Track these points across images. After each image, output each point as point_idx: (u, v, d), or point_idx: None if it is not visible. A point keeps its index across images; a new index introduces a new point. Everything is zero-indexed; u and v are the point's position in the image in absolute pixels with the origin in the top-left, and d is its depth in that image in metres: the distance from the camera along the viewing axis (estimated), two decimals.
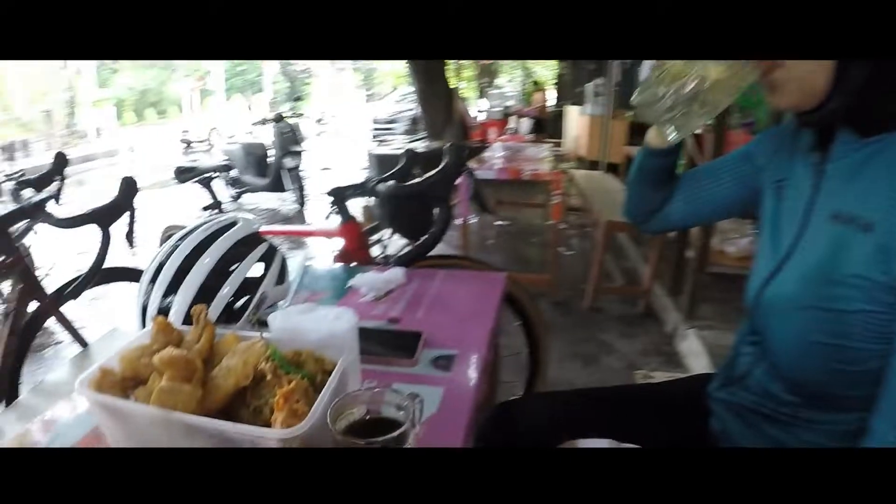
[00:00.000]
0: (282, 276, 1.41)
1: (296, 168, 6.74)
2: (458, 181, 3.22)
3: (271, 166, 6.87)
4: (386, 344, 1.27)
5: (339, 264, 1.92)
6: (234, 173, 7.21)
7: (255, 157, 7.11)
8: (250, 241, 1.37)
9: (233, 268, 1.32)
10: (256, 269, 1.37)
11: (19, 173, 2.65)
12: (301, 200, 6.82)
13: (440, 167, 1.79)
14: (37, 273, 2.21)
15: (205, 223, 1.38)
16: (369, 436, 0.73)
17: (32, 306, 2.21)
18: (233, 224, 1.38)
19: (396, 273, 1.61)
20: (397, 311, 1.47)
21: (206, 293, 1.28)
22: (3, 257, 2.09)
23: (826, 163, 0.95)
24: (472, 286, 1.62)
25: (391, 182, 1.85)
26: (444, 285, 1.62)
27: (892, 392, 0.85)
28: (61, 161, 2.50)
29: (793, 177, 1.03)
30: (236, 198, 7.63)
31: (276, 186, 6.88)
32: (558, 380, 2.87)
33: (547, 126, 9.70)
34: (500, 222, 5.74)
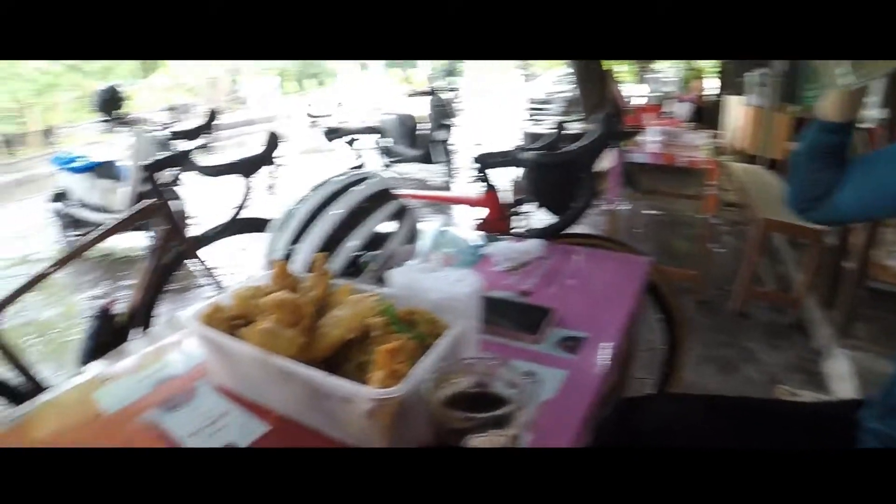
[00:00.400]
0: (411, 236, 1.36)
1: (447, 141, 6.74)
2: (608, 162, 3.07)
3: (423, 138, 6.89)
4: (510, 316, 1.17)
5: (478, 233, 1.84)
6: (385, 143, 7.32)
7: (407, 129, 7.17)
8: (382, 198, 1.33)
9: (361, 222, 1.27)
10: (387, 227, 1.32)
11: (173, 123, 2.80)
12: (450, 173, 6.82)
13: (589, 138, 1.66)
14: (184, 218, 2.30)
15: (339, 176, 1.35)
16: (472, 411, 0.64)
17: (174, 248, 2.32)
18: (366, 179, 1.34)
19: (533, 245, 1.50)
20: (529, 284, 1.37)
21: (331, 244, 1.25)
22: (151, 200, 2.21)
23: None
24: (613, 268, 1.48)
25: (537, 151, 1.74)
26: (582, 264, 1.50)
27: None
28: (212, 117, 2.64)
29: None
30: (388, 167, 7.78)
31: (427, 158, 6.92)
32: (691, 384, 2.65)
33: (705, 115, 9.11)
34: (650, 211, 5.46)
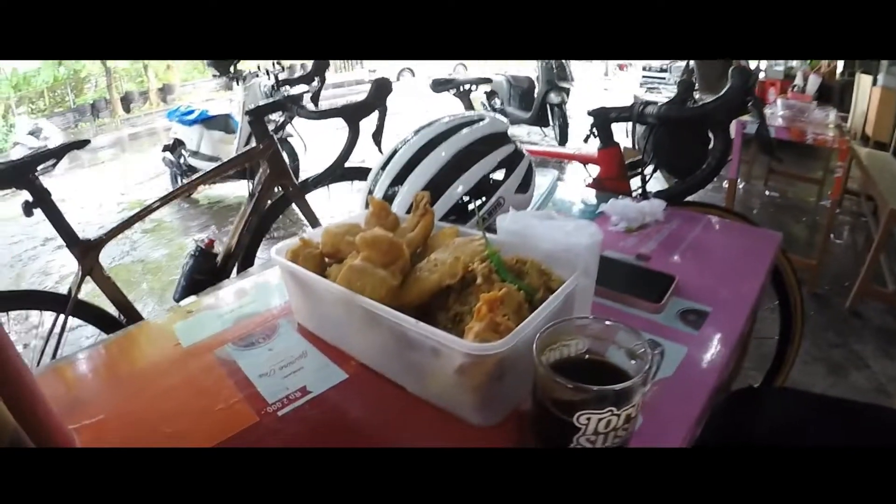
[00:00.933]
0: (525, 185, 1.23)
1: (560, 104, 6.53)
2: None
3: (536, 100, 6.71)
4: (629, 280, 1.04)
5: (593, 191, 1.70)
6: (497, 104, 7.17)
7: (521, 90, 7.00)
8: (494, 141, 1.21)
9: (470, 165, 1.16)
10: (499, 173, 1.21)
11: (280, 72, 2.82)
12: (563, 137, 6.62)
13: (723, 91, 1.48)
14: (291, 164, 2.29)
15: (449, 117, 1.25)
16: (582, 380, 0.52)
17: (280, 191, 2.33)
18: (478, 121, 1.22)
19: (655, 206, 1.35)
20: (648, 248, 1.22)
21: (436, 187, 1.15)
22: (258, 143, 2.21)
23: None
24: (740, 240, 1.31)
25: (663, 103, 1.57)
26: (707, 233, 1.33)
27: None
28: (322, 65, 2.60)
29: None
30: None
31: (539, 120, 6.74)
32: (795, 382, 2.42)
33: (833, 95, 8.41)
34: (768, 193, 5.11)
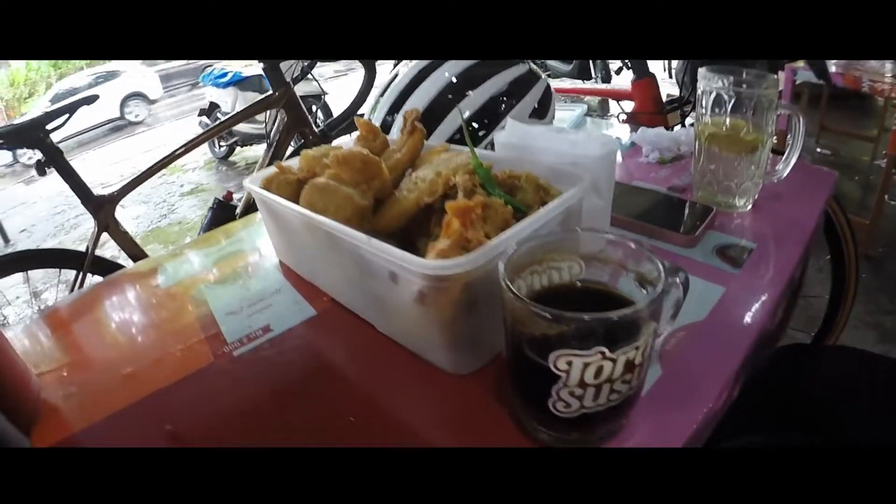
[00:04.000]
0: (542, 110, 1.09)
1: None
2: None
3: None
4: (659, 211, 0.89)
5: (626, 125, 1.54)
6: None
7: None
8: (504, 61, 1.06)
9: (476, 86, 1.02)
10: (510, 95, 1.06)
11: None
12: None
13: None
14: (306, 107, 2.21)
15: None
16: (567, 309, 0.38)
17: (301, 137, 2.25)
18: None
19: (692, 134, 1.19)
20: (683, 180, 1.05)
21: (437, 111, 1.01)
22: (274, 91, 2.14)
23: None
24: (791, 175, 1.12)
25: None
26: None
27: None
28: None
29: None
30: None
31: (582, 73, 6.48)
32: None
33: None
34: (820, 150, 4.81)
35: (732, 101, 0.89)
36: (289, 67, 2.20)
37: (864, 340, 2.37)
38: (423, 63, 1.05)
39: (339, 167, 0.65)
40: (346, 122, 2.22)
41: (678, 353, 0.58)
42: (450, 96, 1.01)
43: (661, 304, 0.40)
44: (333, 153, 0.67)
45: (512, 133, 0.73)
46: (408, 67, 1.07)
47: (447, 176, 0.60)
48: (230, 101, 5.69)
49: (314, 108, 5.39)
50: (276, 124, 2.22)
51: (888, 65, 3.66)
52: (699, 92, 0.92)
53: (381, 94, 1.09)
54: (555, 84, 1.94)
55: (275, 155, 2.15)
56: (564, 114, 1.42)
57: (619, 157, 1.21)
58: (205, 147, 6.33)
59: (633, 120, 1.61)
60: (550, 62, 6.78)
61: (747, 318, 0.65)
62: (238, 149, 6.24)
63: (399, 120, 1.03)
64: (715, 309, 0.67)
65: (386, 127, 1.05)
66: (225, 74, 5.75)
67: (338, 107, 3.03)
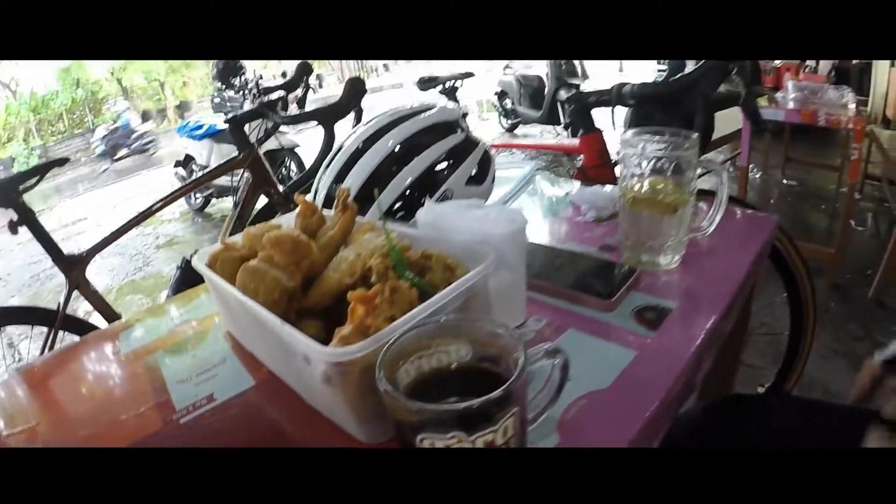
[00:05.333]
0: (481, 175, 1.14)
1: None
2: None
3: (546, 98, 6.58)
4: (582, 274, 0.93)
5: (575, 181, 1.60)
6: (508, 104, 7.08)
7: (531, 89, 6.89)
8: (443, 130, 1.12)
9: (415, 156, 1.08)
10: (448, 163, 1.12)
11: (259, 79, 2.86)
12: (575, 134, 6.51)
13: (703, 62, 1.38)
14: (270, 169, 2.29)
15: (396, 108, 1.17)
16: (442, 397, 0.43)
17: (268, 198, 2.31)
18: (427, 110, 1.14)
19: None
20: (617, 239, 1.09)
21: (379, 180, 1.06)
22: (240, 152, 2.22)
23: None
24: (727, 226, 1.16)
25: (639, 82, 1.47)
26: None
27: None
28: (304, 69, 2.59)
29: None
30: (510, 129, 7.56)
31: (551, 119, 6.61)
32: (813, 378, 2.29)
33: (851, 78, 8.17)
34: (786, 181, 4.93)
35: (653, 163, 0.94)
36: (254, 129, 2.28)
37: (834, 369, 2.42)
38: (367, 133, 1.11)
39: (272, 248, 0.70)
40: (307, 183, 2.29)
41: (577, 421, 0.62)
42: (393, 167, 1.07)
43: (517, 390, 0.44)
44: (267, 235, 0.72)
45: (428, 213, 0.79)
46: (352, 137, 1.13)
47: (364, 259, 0.66)
48: (205, 154, 5.74)
49: (287, 160, 5.46)
50: (242, 184, 2.27)
51: (847, 95, 3.79)
52: (620, 155, 0.98)
53: (327, 166, 1.14)
54: (506, 140, 2.02)
55: (241, 214, 2.21)
56: (515, 172, 1.48)
57: (569, 211, 1.28)
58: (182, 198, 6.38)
59: (584, 175, 1.68)
60: (520, 108, 6.92)
61: (653, 384, 0.68)
62: (214, 200, 6.29)
63: (345, 185, 1.08)
64: (622, 375, 0.70)
65: (331, 197, 1.10)
66: (200, 127, 5.81)
67: (310, 158, 3.10)
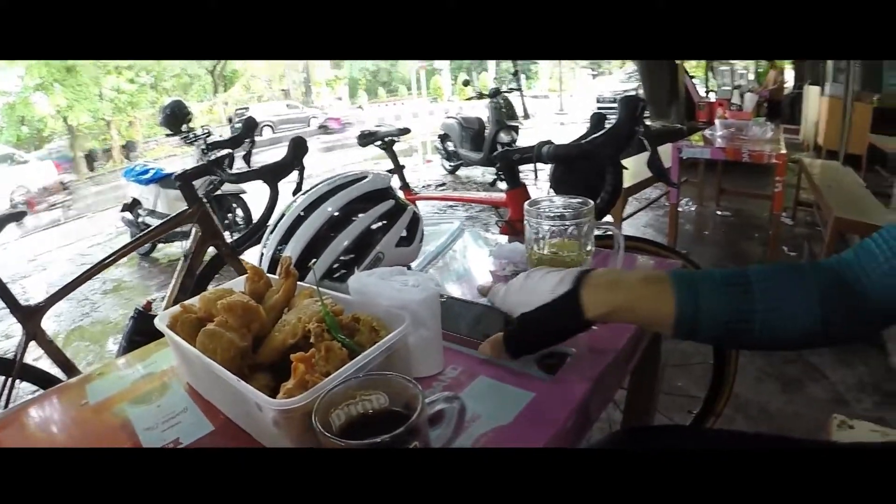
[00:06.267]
0: (410, 237, 1.31)
1: (511, 143, 6.67)
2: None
3: (486, 141, 6.83)
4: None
5: (503, 235, 1.76)
6: (450, 146, 7.31)
7: (472, 132, 7.13)
8: (377, 197, 1.29)
9: (351, 222, 1.24)
10: (380, 227, 1.28)
11: (206, 133, 2.97)
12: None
13: (612, 125, 1.56)
14: (218, 223, 2.41)
15: (334, 176, 1.32)
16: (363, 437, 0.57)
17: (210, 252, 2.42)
18: (362, 178, 1.30)
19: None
20: None
21: (318, 244, 1.22)
22: (189, 206, 2.31)
23: None
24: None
25: (555, 143, 1.64)
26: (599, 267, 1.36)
27: None
28: (250, 124, 2.74)
29: None
30: (452, 171, 7.77)
31: (491, 161, 6.85)
32: (750, 401, 2.52)
33: (783, 109, 8.69)
34: (720, 213, 5.24)
35: (555, 227, 1.11)
36: (202, 183, 2.39)
37: (769, 392, 2.64)
38: (308, 201, 1.26)
39: (225, 313, 0.84)
40: (253, 238, 2.43)
41: None
42: (331, 232, 1.22)
43: (417, 427, 0.59)
44: (221, 301, 0.86)
45: (358, 281, 0.95)
46: (293, 206, 1.28)
47: (304, 322, 0.81)
48: (151, 198, 5.79)
49: (233, 205, 5.57)
50: (191, 238, 2.38)
51: (769, 131, 4.09)
52: (525, 220, 1.15)
53: (272, 230, 1.28)
54: (438, 192, 2.17)
55: (191, 266, 2.30)
56: (445, 226, 1.64)
57: (491, 265, 1.43)
58: (127, 240, 6.36)
59: (511, 228, 1.84)
60: (462, 151, 7.15)
61: (548, 420, 0.83)
62: (160, 245, 6.33)
63: (286, 251, 1.23)
64: (522, 412, 0.84)
65: (277, 259, 1.23)
66: (147, 171, 5.86)
67: (257, 204, 3.21)
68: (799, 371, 2.78)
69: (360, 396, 0.65)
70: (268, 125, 19.68)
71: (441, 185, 7.75)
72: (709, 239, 4.73)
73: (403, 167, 3.07)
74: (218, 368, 0.77)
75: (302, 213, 1.25)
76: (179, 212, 2.30)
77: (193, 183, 2.32)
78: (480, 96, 6.99)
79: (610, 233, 1.23)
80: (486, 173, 7.39)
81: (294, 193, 2.15)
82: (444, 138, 7.85)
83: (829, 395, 2.60)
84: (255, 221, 2.43)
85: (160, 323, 0.96)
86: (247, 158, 2.67)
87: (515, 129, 6.71)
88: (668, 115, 6.45)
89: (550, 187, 1.77)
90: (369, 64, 26.93)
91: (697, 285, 0.76)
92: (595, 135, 1.59)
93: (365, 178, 1.30)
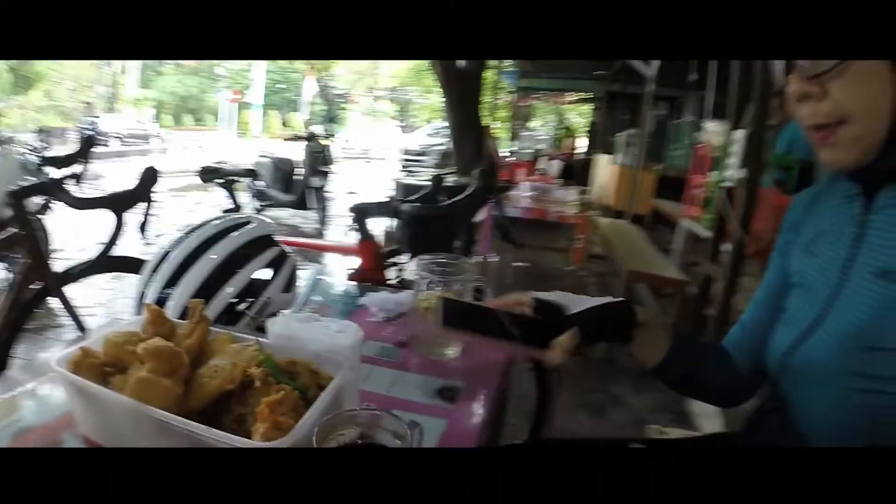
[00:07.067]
0: (290, 284, 1.35)
1: (322, 188, 6.72)
2: (482, 213, 3.16)
3: (298, 184, 6.81)
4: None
5: (353, 283, 1.84)
6: (260, 186, 7.18)
7: (283, 173, 7.07)
8: (261, 244, 1.31)
9: (239, 268, 1.25)
10: (265, 274, 1.31)
11: (43, 148, 2.68)
12: (323, 220, 6.78)
13: (467, 192, 1.72)
14: (48, 251, 2.17)
15: (218, 218, 1.33)
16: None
17: (37, 283, 2.13)
18: (247, 223, 1.32)
19: (409, 296, 1.52)
20: (406, 335, 1.37)
21: (207, 290, 1.21)
22: (15, 230, 2.04)
23: (870, 213, 0.81)
24: None
25: (416, 203, 1.77)
26: None
27: None
28: (88, 144, 2.49)
29: (828, 231, 0.89)
30: (260, 211, 7.62)
31: (301, 204, 6.83)
32: (563, 429, 2.74)
33: (575, 172, 9.64)
34: (520, 264, 5.65)
35: (437, 282, 1.25)
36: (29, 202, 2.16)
37: (577, 419, 2.93)
38: (194, 244, 1.25)
39: (152, 360, 0.82)
40: (93, 269, 2.17)
41: None
42: (219, 279, 1.23)
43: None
44: (144, 346, 0.83)
45: (283, 326, 0.98)
46: (178, 248, 1.26)
47: (243, 367, 0.83)
48: None
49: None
50: (19, 266, 2.12)
51: (572, 194, 4.57)
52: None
53: (153, 271, 1.25)
54: (293, 239, 2.21)
55: (15, 297, 2.06)
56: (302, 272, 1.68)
57: (359, 312, 1.50)
58: None
59: (360, 276, 1.92)
60: (271, 192, 7.05)
61: (466, 439, 0.97)
62: None
63: (174, 295, 1.21)
64: (442, 437, 0.97)
65: (161, 301, 1.21)
66: None
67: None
68: (603, 399, 3.12)
69: (335, 433, 0.70)
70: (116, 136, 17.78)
71: None
72: (512, 287, 5.00)
73: (241, 208, 3.01)
74: (172, 418, 0.76)
75: (187, 257, 1.24)
76: (10, 234, 2.03)
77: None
78: (296, 138, 6.99)
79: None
80: (294, 216, 7.33)
81: (141, 227, 2.06)
82: (254, 176, 7.62)
83: (630, 418, 2.97)
84: (100, 252, 2.14)
85: (62, 370, 0.87)
86: (78, 180, 2.42)
87: (327, 174, 6.77)
88: (470, 172, 6.87)
89: (392, 241, 1.89)
90: (179, 88, 25.56)
91: None
92: (455, 199, 1.74)
93: (250, 223, 1.32)
